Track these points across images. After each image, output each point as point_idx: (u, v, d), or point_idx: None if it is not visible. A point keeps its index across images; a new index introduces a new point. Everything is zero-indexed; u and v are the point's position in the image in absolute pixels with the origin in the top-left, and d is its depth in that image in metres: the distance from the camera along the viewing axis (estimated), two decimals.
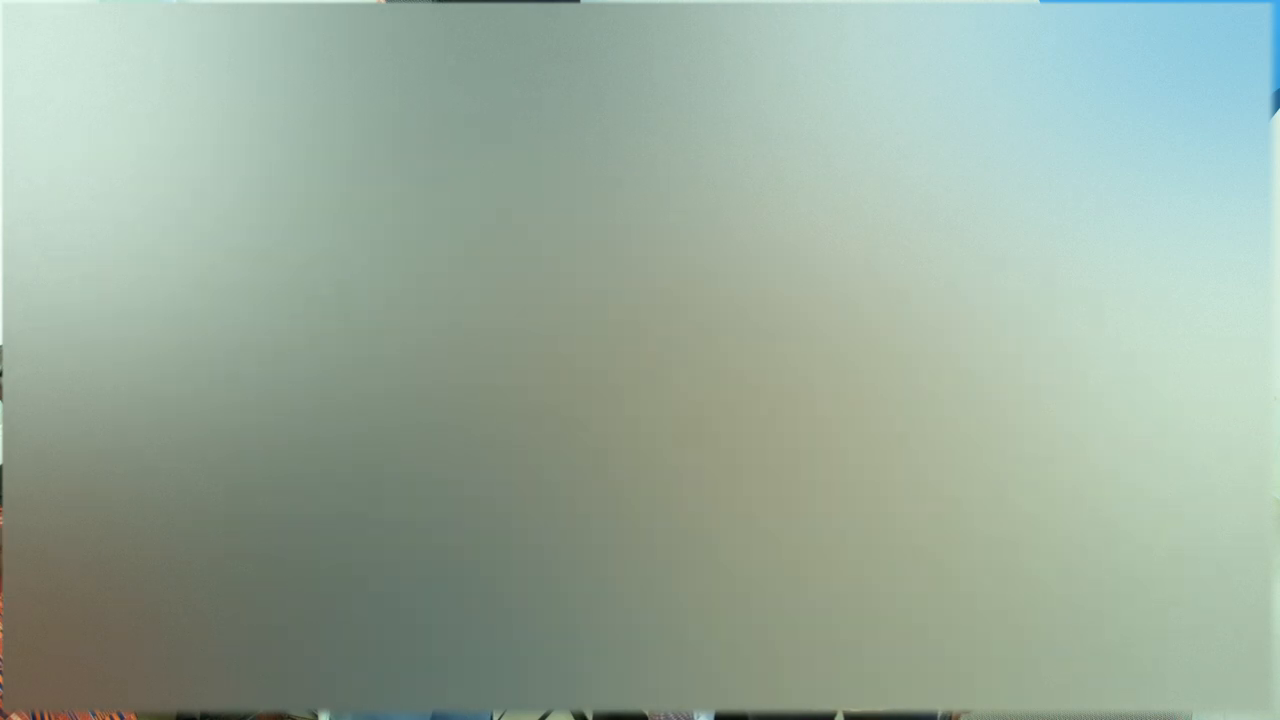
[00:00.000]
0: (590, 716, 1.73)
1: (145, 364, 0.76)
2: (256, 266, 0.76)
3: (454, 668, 0.77)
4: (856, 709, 0.82)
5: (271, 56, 0.76)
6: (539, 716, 1.72)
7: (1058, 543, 0.77)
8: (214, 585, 0.77)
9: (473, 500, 0.77)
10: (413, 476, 0.77)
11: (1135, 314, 0.77)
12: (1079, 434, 0.77)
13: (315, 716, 1.64)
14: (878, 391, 0.77)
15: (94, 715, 1.16)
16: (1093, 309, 0.77)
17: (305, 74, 0.76)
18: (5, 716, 1.01)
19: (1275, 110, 0.86)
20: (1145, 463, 0.77)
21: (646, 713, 1.58)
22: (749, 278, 0.76)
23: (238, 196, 0.76)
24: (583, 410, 0.76)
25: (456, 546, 0.77)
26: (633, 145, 0.77)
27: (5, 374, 0.76)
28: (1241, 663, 0.78)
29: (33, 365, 0.76)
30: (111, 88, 0.76)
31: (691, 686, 0.78)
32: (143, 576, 0.77)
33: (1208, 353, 0.77)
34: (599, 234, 0.76)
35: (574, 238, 0.76)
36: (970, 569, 0.77)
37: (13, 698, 0.78)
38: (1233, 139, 0.77)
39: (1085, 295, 0.77)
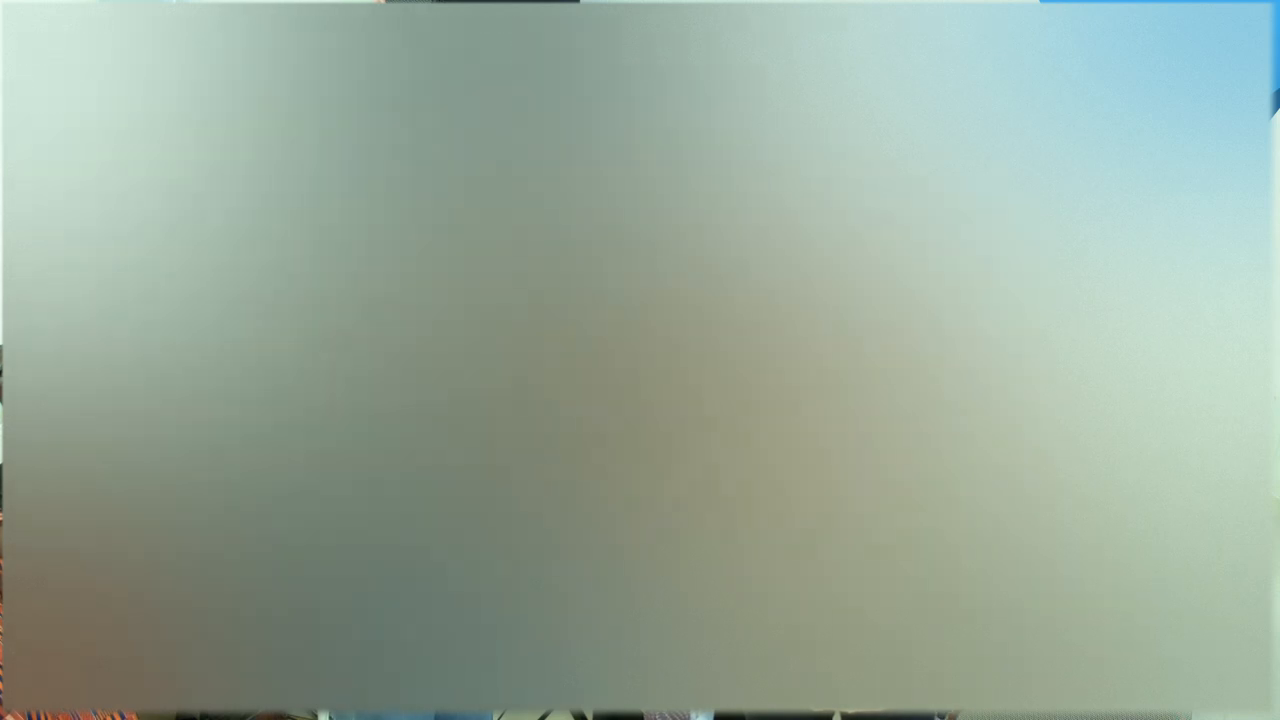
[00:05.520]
0: (590, 716, 1.73)
1: (145, 364, 0.76)
2: (256, 266, 0.76)
3: (454, 668, 0.77)
4: (854, 709, 0.82)
5: (271, 57, 0.76)
6: (539, 716, 1.72)
7: (1057, 543, 0.77)
8: (214, 585, 0.77)
9: (473, 500, 0.77)
10: (413, 477, 0.77)
11: (1135, 314, 0.77)
12: (1079, 434, 0.77)
13: (315, 716, 1.65)
14: (877, 391, 0.77)
15: (94, 715, 1.16)
16: (1093, 308, 0.77)
17: (305, 74, 0.76)
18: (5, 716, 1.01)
19: (1275, 110, 0.86)
20: (1145, 463, 0.77)
21: (645, 713, 1.58)
22: (748, 278, 0.76)
23: (238, 196, 0.76)
24: (583, 411, 0.76)
25: (456, 546, 0.77)
26: (633, 145, 0.77)
27: (5, 374, 0.76)
28: (1241, 663, 0.78)
29: (33, 366, 0.76)
30: (112, 88, 0.76)
31: (690, 686, 0.78)
32: (143, 576, 0.77)
33: (1208, 353, 0.77)
34: (599, 234, 0.76)
35: (574, 238, 0.76)
36: (969, 569, 0.77)
37: (13, 698, 0.78)
38: (1233, 139, 0.77)
39: (1085, 295, 0.77)
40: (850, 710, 1.04)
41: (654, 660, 0.77)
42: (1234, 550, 0.77)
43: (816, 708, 0.79)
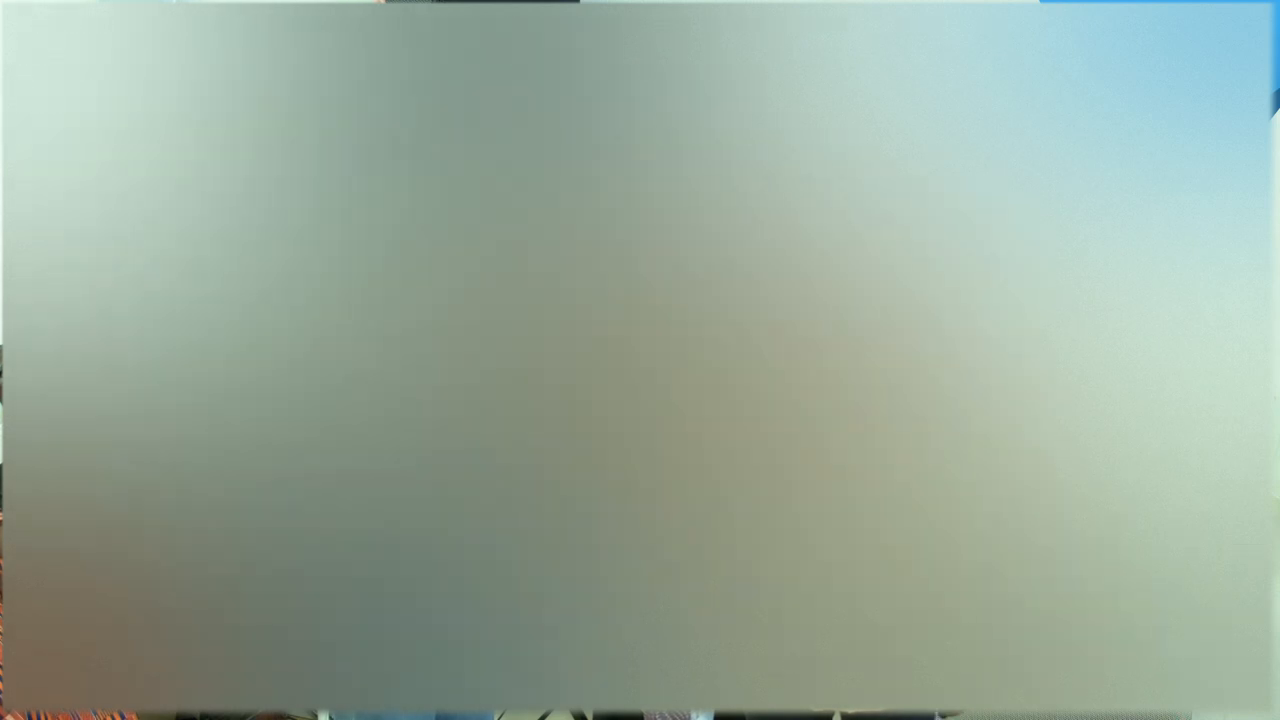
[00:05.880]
0: (590, 716, 1.73)
1: (145, 364, 0.76)
2: (257, 267, 0.76)
3: (454, 668, 0.77)
4: (854, 709, 0.82)
5: (271, 56, 0.76)
6: (539, 716, 1.72)
7: (1057, 543, 0.77)
8: (214, 585, 0.77)
9: (472, 500, 0.77)
10: (412, 476, 0.77)
11: (1135, 314, 0.77)
12: (1079, 434, 0.77)
13: (315, 716, 1.65)
14: (876, 391, 0.77)
15: (94, 715, 1.16)
16: (1093, 309, 0.77)
17: (305, 74, 0.76)
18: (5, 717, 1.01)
19: (1275, 110, 0.86)
20: (1146, 463, 0.77)
21: (644, 713, 1.58)
22: (748, 277, 0.76)
23: (238, 196, 0.76)
24: (584, 411, 0.76)
25: (456, 546, 0.77)
26: (633, 145, 0.77)
27: (5, 374, 0.76)
28: (1241, 663, 0.78)
29: (33, 365, 0.76)
30: (112, 88, 0.76)
31: (690, 686, 0.78)
32: (143, 576, 0.77)
33: (1208, 353, 0.77)
34: (599, 235, 0.76)
35: (574, 238, 0.76)
36: (969, 569, 0.77)
37: (13, 698, 0.78)
38: (1233, 139, 0.77)
39: (1085, 295, 0.77)
40: (850, 710, 1.04)
41: (654, 660, 0.77)
42: (1234, 550, 0.77)
43: (816, 708, 0.79)
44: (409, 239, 0.76)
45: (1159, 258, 0.77)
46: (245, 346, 0.76)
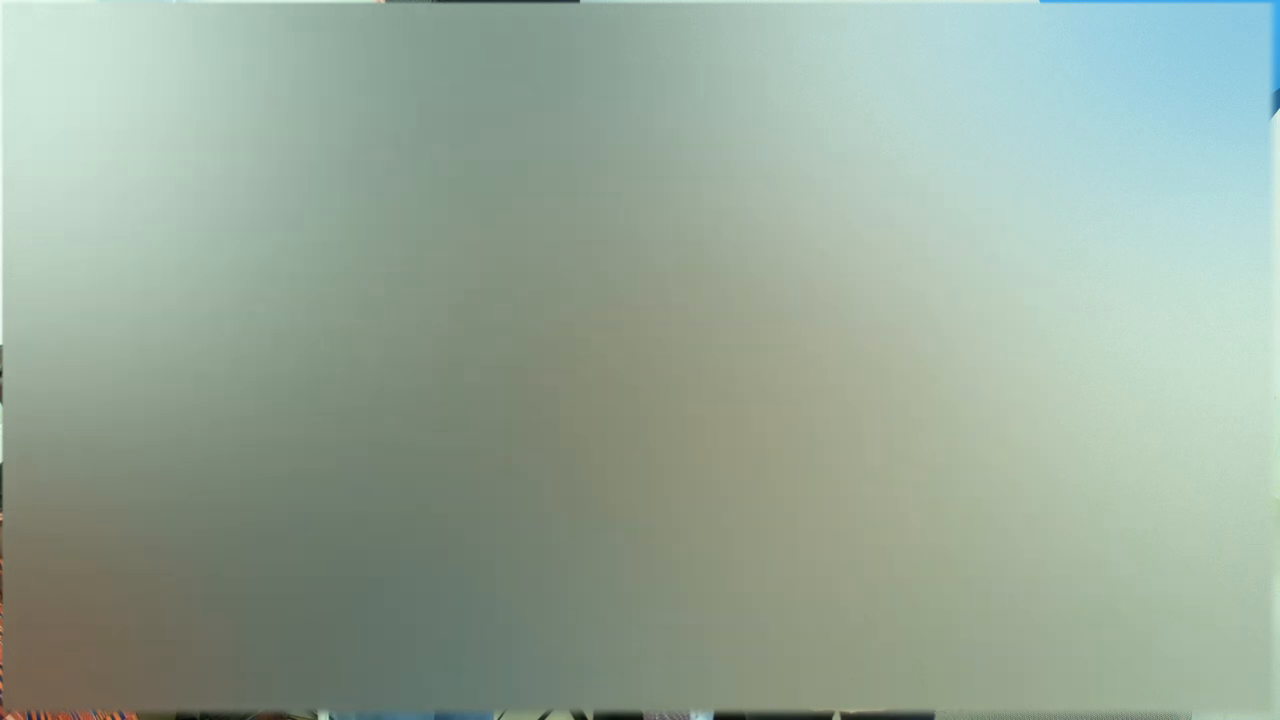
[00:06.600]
0: (590, 716, 1.73)
1: (145, 364, 0.76)
2: (257, 267, 0.76)
3: (454, 668, 0.78)
4: (854, 709, 0.82)
5: (271, 56, 0.76)
6: (539, 716, 1.72)
7: (1057, 543, 0.77)
8: (214, 585, 0.77)
9: (473, 500, 0.77)
10: (413, 476, 0.77)
11: (1136, 314, 0.77)
12: (1079, 434, 0.77)
13: (315, 716, 1.65)
14: (876, 391, 0.77)
15: (94, 715, 1.16)
16: (1093, 309, 0.77)
17: (305, 74, 0.76)
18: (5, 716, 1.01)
19: (1275, 110, 0.86)
20: (1145, 463, 0.77)
21: (644, 713, 1.58)
22: (748, 277, 0.76)
23: (238, 196, 0.76)
24: (583, 411, 0.76)
25: (456, 547, 0.77)
26: (633, 145, 0.77)
27: (5, 374, 0.76)
28: (1241, 663, 0.78)
29: (33, 365, 0.76)
30: (112, 88, 0.76)
31: (690, 686, 0.78)
32: (142, 576, 0.77)
33: (1208, 353, 0.77)
34: (598, 235, 0.76)
35: (573, 238, 0.76)
36: (969, 569, 0.77)
37: (13, 698, 0.78)
38: (1233, 139, 0.77)
39: (1085, 295, 0.77)
40: (850, 710, 1.04)
41: (654, 660, 0.77)
42: (1234, 550, 0.77)
43: (816, 708, 0.79)
44: (409, 239, 0.76)
45: (1159, 258, 0.77)
46: (245, 346, 0.76)
